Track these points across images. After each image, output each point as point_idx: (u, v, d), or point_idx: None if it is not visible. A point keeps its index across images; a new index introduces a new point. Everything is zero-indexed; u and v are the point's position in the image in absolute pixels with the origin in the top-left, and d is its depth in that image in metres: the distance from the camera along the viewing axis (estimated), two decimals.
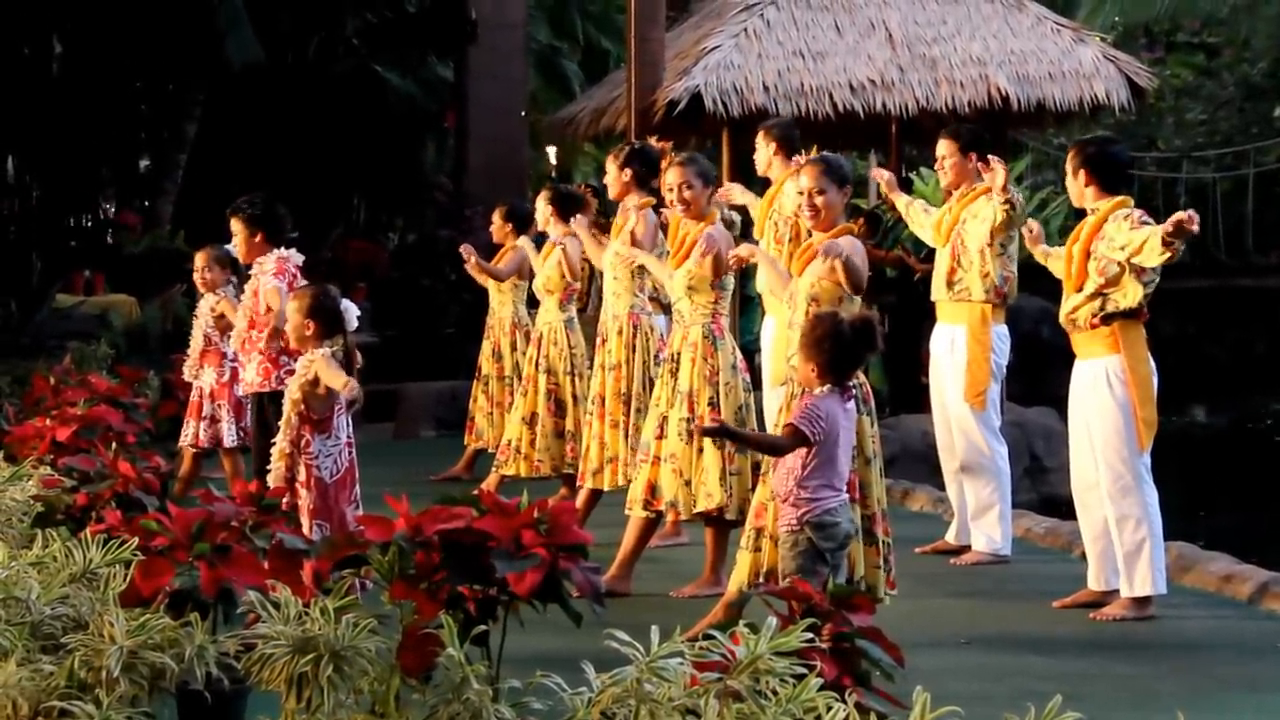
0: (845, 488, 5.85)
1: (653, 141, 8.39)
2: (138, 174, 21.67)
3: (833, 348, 5.74)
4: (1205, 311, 22.64)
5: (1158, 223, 6.76)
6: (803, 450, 5.73)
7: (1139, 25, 27.11)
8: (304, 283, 7.79)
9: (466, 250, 10.58)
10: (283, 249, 8.18)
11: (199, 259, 9.43)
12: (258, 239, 8.17)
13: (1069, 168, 7.05)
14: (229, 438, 9.20)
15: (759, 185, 9.33)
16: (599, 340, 8.24)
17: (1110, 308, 6.93)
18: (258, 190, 8.71)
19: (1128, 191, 7.11)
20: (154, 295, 15.18)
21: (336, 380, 6.35)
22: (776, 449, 5.90)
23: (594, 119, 15.82)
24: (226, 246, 9.37)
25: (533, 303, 10.16)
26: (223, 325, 9.28)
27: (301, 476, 6.40)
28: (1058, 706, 3.68)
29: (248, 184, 9.78)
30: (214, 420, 9.24)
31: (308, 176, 19.18)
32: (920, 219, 8.57)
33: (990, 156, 7.92)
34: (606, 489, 7.96)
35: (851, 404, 5.89)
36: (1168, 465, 7.89)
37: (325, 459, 6.41)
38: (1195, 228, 6.49)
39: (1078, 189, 7.06)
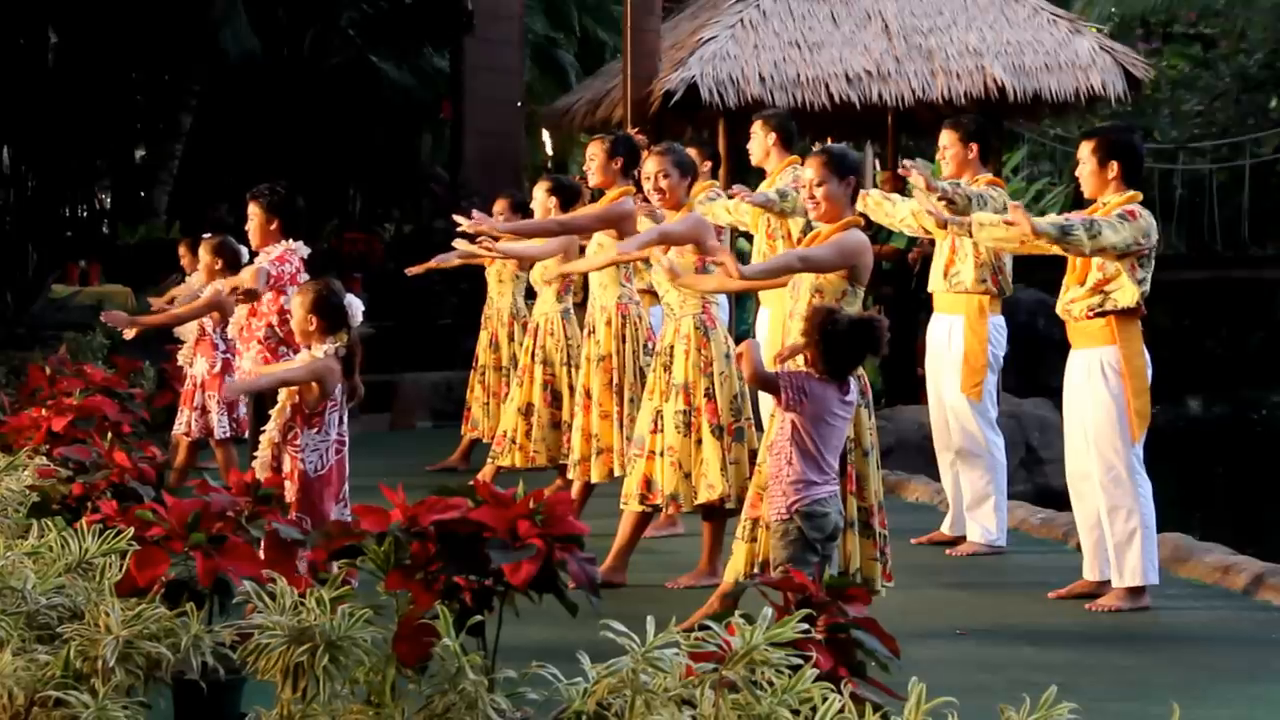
0: (837, 478, 5.86)
1: (631, 132, 8.40)
2: (133, 165, 21.63)
3: (824, 341, 5.76)
4: (1201, 303, 22.69)
5: (1155, 214, 6.77)
6: (791, 433, 5.74)
7: (1136, 16, 27.16)
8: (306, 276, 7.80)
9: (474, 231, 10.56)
10: (292, 240, 8.14)
11: (202, 248, 9.41)
12: (273, 226, 8.12)
13: (1093, 157, 6.89)
14: (219, 429, 9.17)
15: (754, 176, 9.33)
16: (587, 332, 8.24)
17: (1109, 306, 6.92)
18: (250, 181, 8.69)
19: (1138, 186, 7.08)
20: (149, 285, 15.14)
21: (291, 380, 6.37)
22: (761, 379, 5.93)
23: (590, 110, 15.83)
24: (228, 238, 9.36)
25: (530, 294, 10.15)
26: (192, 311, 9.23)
27: (286, 467, 6.39)
28: (1053, 697, 3.68)
29: (243, 175, 9.78)
30: (205, 411, 9.22)
31: (304, 168, 19.13)
32: (886, 208, 8.37)
33: (905, 161, 7.86)
34: (596, 480, 7.95)
35: (851, 397, 5.89)
36: (1164, 457, 7.91)
37: (311, 453, 6.38)
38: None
39: (1102, 179, 6.93)
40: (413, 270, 10.51)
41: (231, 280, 8.32)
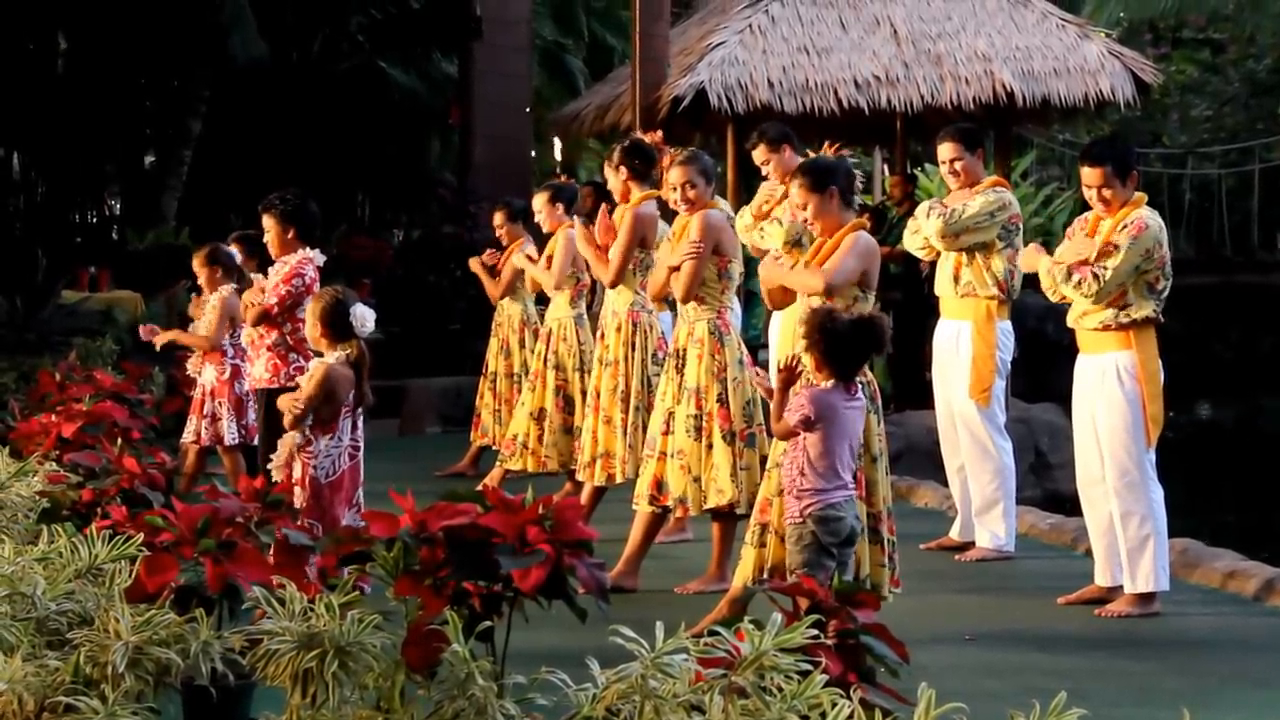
0: (852, 482, 5.85)
1: (641, 135, 8.37)
2: (143, 170, 21.66)
3: (824, 342, 5.75)
4: (1211, 308, 22.64)
5: (1165, 219, 6.77)
6: (802, 443, 5.74)
7: (1144, 21, 27.14)
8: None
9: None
10: (309, 249, 8.09)
11: (195, 259, 9.42)
12: (290, 235, 8.04)
13: (1111, 173, 6.90)
14: (229, 435, 9.18)
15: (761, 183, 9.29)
16: (599, 335, 8.26)
17: (1124, 319, 6.91)
18: (259, 187, 8.68)
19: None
20: (159, 291, 15.16)
21: (302, 393, 6.38)
22: (782, 432, 5.94)
23: (598, 115, 15.83)
24: (226, 246, 9.37)
25: (540, 299, 10.16)
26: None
27: (297, 473, 6.39)
28: (1062, 703, 3.68)
29: (253, 181, 9.78)
30: (215, 418, 9.23)
31: (312, 173, 19.15)
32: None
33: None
34: (596, 484, 7.95)
35: (860, 399, 5.88)
36: (1173, 462, 7.89)
37: (323, 458, 6.38)
38: None
39: (1126, 193, 6.98)
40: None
41: (252, 294, 8.29)
